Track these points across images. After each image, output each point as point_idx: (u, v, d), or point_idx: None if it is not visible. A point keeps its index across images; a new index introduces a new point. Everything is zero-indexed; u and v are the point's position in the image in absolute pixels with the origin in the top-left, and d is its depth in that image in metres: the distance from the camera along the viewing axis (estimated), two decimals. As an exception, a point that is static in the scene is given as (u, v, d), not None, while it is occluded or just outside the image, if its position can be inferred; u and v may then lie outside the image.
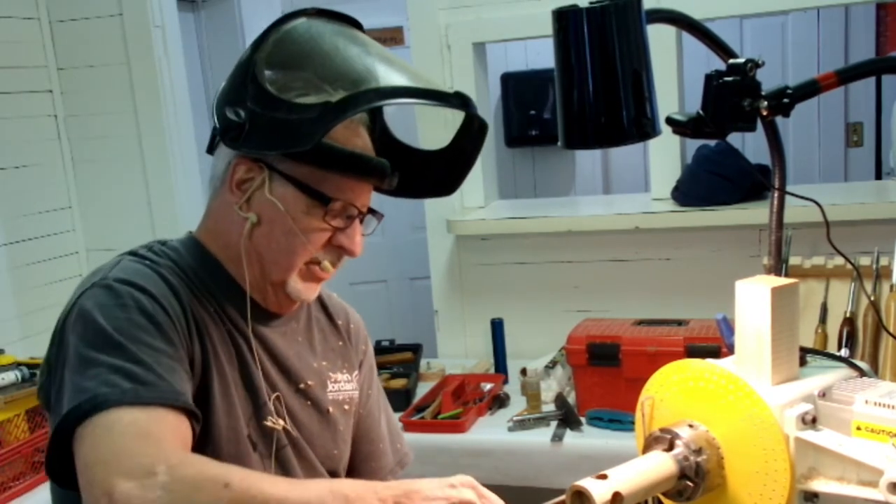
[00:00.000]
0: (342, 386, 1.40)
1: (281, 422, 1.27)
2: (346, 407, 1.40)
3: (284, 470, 1.28)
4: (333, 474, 1.36)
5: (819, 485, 0.88)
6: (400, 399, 2.53)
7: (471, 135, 1.35)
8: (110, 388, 1.05)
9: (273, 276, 1.26)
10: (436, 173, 1.39)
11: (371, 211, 1.30)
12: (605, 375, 2.31)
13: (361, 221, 1.28)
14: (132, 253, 1.26)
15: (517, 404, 2.49)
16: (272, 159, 1.21)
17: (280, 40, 1.23)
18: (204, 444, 1.18)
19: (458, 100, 1.26)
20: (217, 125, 1.21)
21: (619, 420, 2.26)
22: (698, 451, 0.91)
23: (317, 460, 1.33)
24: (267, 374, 1.28)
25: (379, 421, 1.49)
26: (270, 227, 1.23)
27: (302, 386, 1.33)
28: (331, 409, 1.36)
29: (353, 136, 1.25)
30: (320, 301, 1.45)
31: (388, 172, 1.25)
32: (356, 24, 1.34)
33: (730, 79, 0.98)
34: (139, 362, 1.09)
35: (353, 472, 1.44)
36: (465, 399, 2.54)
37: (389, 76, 1.22)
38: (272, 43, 1.22)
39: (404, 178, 1.33)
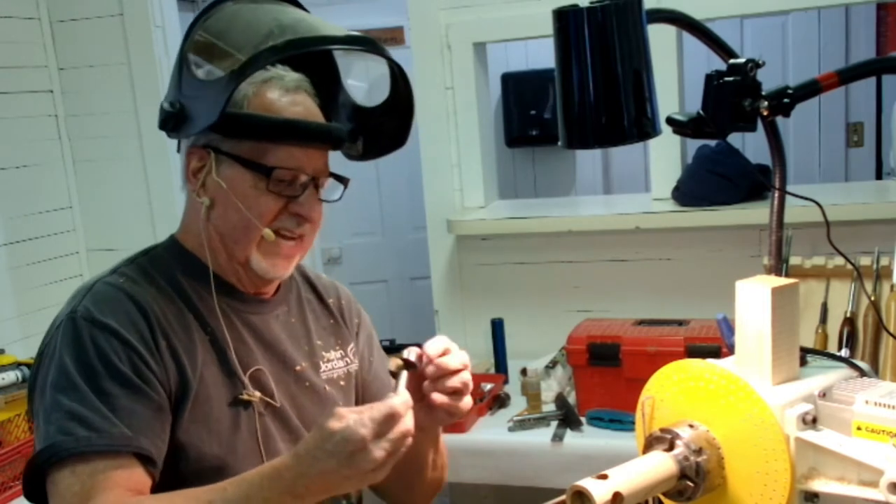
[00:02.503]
0: (334, 364, 1.43)
1: (257, 394, 1.28)
2: (343, 383, 1.43)
3: (266, 438, 1.30)
4: None
5: (819, 485, 0.88)
6: (400, 399, 2.53)
7: (397, 77, 1.35)
8: (66, 435, 1.13)
9: (237, 256, 1.28)
10: (389, 128, 1.39)
11: (335, 176, 1.31)
12: (606, 375, 2.31)
13: (318, 188, 1.29)
14: (114, 270, 1.28)
15: (517, 404, 2.49)
16: (217, 142, 1.24)
17: (205, 27, 1.27)
18: (202, 429, 1.23)
19: (350, 42, 1.27)
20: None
21: (620, 420, 2.26)
22: (698, 452, 0.91)
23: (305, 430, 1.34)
24: (255, 356, 1.31)
25: (381, 386, 1.50)
26: (224, 208, 1.26)
27: (298, 368, 1.36)
28: (327, 388, 1.40)
29: (291, 104, 1.26)
30: (309, 283, 1.48)
31: (334, 134, 1.28)
32: (291, 2, 1.36)
33: (730, 79, 0.98)
34: (95, 409, 1.14)
35: None
36: (466, 399, 2.54)
37: (297, 31, 1.23)
38: (197, 32, 1.27)
39: (369, 140, 1.37)
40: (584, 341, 2.33)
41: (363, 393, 1.49)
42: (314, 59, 1.36)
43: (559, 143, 1.00)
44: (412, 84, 1.37)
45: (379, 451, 1.06)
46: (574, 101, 0.96)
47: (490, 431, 2.37)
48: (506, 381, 2.65)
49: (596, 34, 0.94)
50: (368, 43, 1.28)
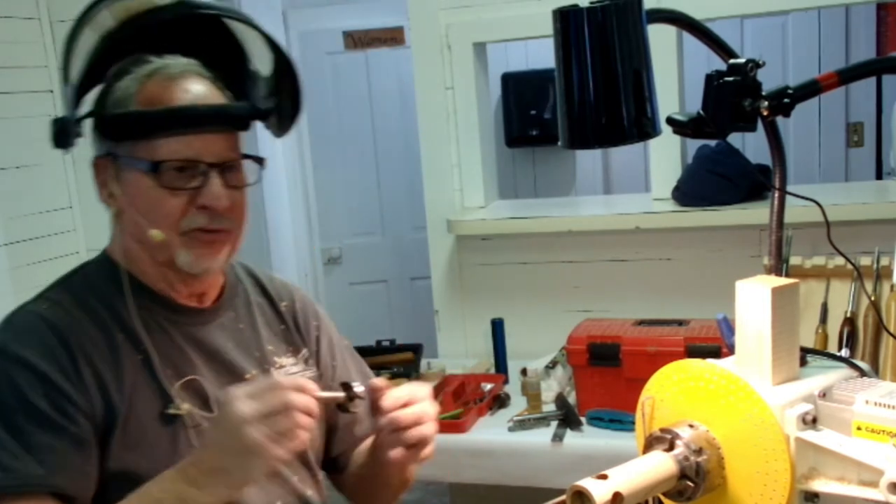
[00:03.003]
0: (288, 370, 1.37)
1: (185, 406, 1.21)
2: None
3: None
4: (302, 454, 1.34)
5: (819, 485, 0.88)
6: (400, 399, 2.53)
7: (266, 37, 1.27)
8: None
9: (159, 258, 1.23)
10: (288, 94, 1.31)
11: (247, 157, 1.25)
12: (606, 375, 2.31)
13: (223, 173, 1.21)
14: (40, 295, 1.24)
15: (517, 404, 2.49)
16: (114, 148, 1.20)
17: (71, 37, 1.23)
18: (138, 454, 1.17)
19: (177, 8, 1.20)
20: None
21: (620, 420, 2.26)
22: (698, 452, 0.91)
23: None
24: (197, 369, 1.25)
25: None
26: (130, 214, 1.21)
27: (248, 377, 1.30)
28: None
29: (179, 91, 1.20)
30: (259, 286, 1.42)
31: (229, 114, 1.22)
32: None
33: (730, 79, 0.98)
34: (7, 448, 1.10)
35: (336, 441, 1.44)
36: (466, 399, 2.54)
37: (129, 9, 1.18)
38: (68, 43, 1.23)
39: (284, 112, 1.30)
40: (584, 341, 2.33)
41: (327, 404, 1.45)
42: (216, 41, 1.29)
43: (559, 143, 1.00)
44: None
45: (256, 431, 1.03)
46: (574, 101, 0.96)
47: (490, 431, 2.37)
48: (506, 381, 2.65)
49: (596, 34, 0.94)
50: (194, 6, 1.21)
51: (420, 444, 1.21)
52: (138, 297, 1.23)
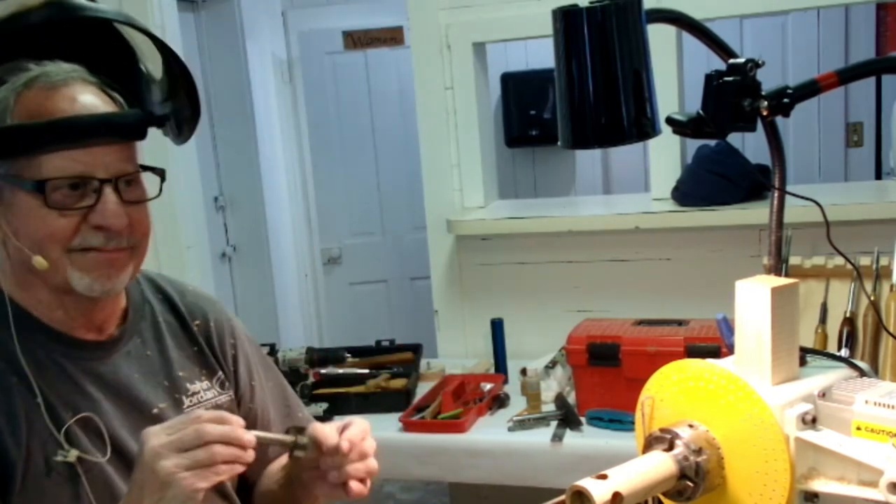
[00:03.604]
0: (202, 396, 1.27)
1: (74, 452, 1.10)
2: None
3: (104, 497, 1.13)
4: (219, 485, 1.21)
5: (819, 485, 0.88)
6: (400, 399, 2.53)
7: (152, 37, 1.17)
8: None
9: (54, 284, 1.12)
10: (185, 99, 1.21)
11: (146, 169, 1.16)
12: (605, 375, 2.31)
13: (117, 188, 1.11)
14: None
15: (517, 404, 2.49)
16: None
17: None
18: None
19: (43, 11, 1.07)
20: None
21: (619, 420, 2.26)
22: (698, 451, 0.91)
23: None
24: (99, 407, 1.15)
25: (268, 409, 1.40)
26: (18, 239, 1.09)
27: (155, 411, 1.21)
28: None
29: (61, 100, 1.09)
30: (169, 302, 1.31)
31: (117, 122, 1.10)
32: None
33: (730, 79, 0.98)
34: None
35: (255, 462, 1.39)
36: (465, 399, 2.54)
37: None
38: None
39: (181, 118, 1.20)
40: (583, 341, 2.33)
41: (247, 425, 1.32)
42: (101, 43, 1.18)
43: (559, 143, 1.00)
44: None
45: (169, 462, 0.98)
46: (574, 101, 0.96)
47: (490, 431, 2.37)
48: (505, 381, 2.65)
49: (596, 34, 0.94)
50: (69, 8, 1.09)
51: (363, 479, 1.16)
52: (30, 332, 1.12)
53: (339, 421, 1.19)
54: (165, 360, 1.26)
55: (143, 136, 1.14)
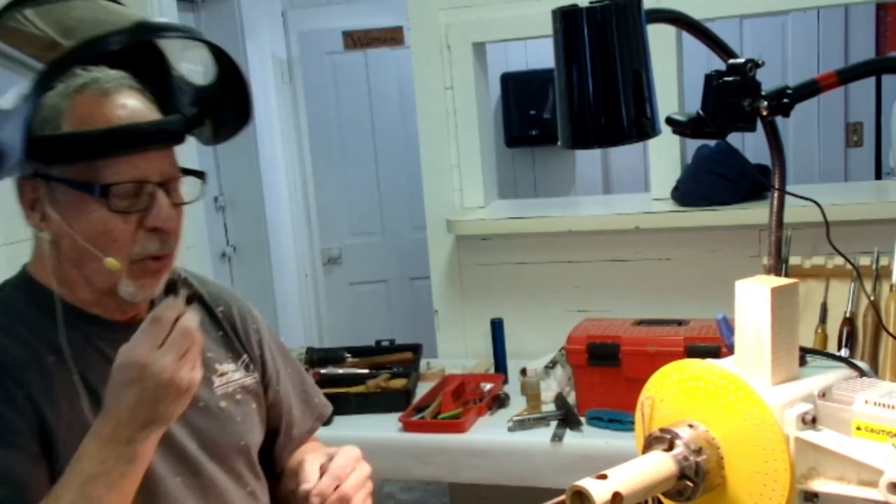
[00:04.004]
0: (230, 377, 1.33)
1: None
2: (239, 397, 1.33)
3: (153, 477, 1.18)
4: (248, 461, 1.34)
5: (819, 485, 0.88)
6: (400, 399, 2.53)
7: (219, 53, 1.21)
8: None
9: (100, 286, 1.16)
10: (230, 106, 1.26)
11: (189, 172, 1.20)
12: (605, 375, 2.31)
13: (169, 192, 1.16)
14: None
15: (517, 404, 2.49)
16: (44, 170, 1.11)
17: None
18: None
19: (138, 31, 1.10)
20: None
21: (619, 420, 2.26)
22: (698, 451, 0.91)
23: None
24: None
25: (289, 392, 1.45)
26: (71, 240, 1.13)
27: None
28: (223, 405, 1.31)
29: (114, 107, 1.12)
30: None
31: (169, 129, 1.15)
32: None
33: (730, 79, 0.98)
34: None
35: (277, 444, 1.44)
36: (465, 399, 2.54)
37: (83, 32, 1.08)
38: None
39: (218, 122, 1.24)
40: (583, 341, 2.33)
41: (275, 408, 1.41)
42: (135, 48, 1.20)
43: (559, 144, 1.00)
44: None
45: (167, 357, 1.03)
46: (574, 101, 0.96)
47: (490, 431, 2.37)
48: (505, 381, 2.65)
49: (596, 34, 0.94)
50: (155, 29, 1.14)
51: None
52: (69, 318, 1.16)
53: (332, 448, 1.25)
54: None
55: (184, 140, 1.19)
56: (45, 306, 1.16)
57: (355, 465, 1.24)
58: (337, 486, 1.20)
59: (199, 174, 1.22)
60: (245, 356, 1.38)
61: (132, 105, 1.13)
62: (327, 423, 1.58)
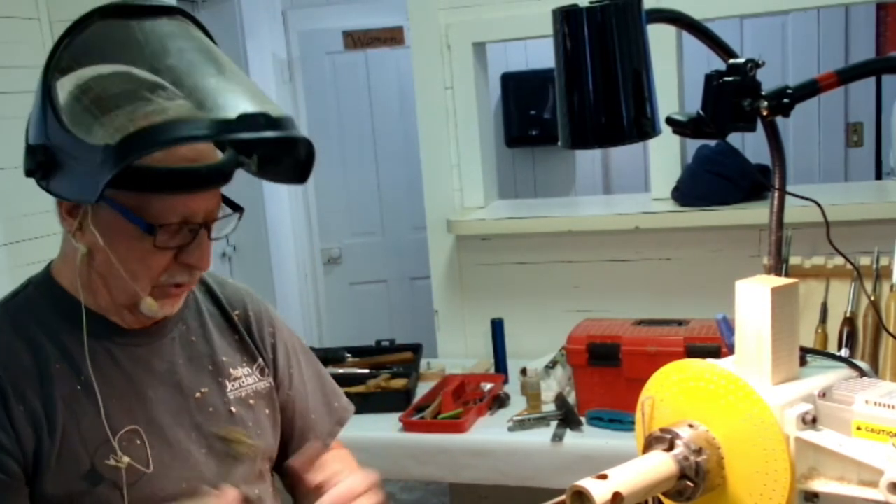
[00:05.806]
0: (243, 381, 1.33)
1: (126, 459, 1.16)
2: (252, 402, 1.34)
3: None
4: (257, 465, 1.35)
5: (819, 485, 0.88)
6: (400, 399, 2.53)
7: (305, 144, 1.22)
8: None
9: (121, 301, 1.18)
10: (289, 161, 1.25)
11: (228, 205, 1.21)
12: (605, 375, 2.31)
13: (210, 231, 1.17)
14: None
15: (517, 404, 2.49)
16: None
17: (73, 55, 1.13)
18: (63, 477, 1.15)
19: (269, 127, 1.08)
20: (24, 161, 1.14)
21: (619, 420, 2.26)
22: (698, 451, 0.91)
23: None
24: (147, 395, 1.22)
25: (306, 396, 1.45)
26: (105, 256, 1.14)
27: (198, 395, 1.27)
28: (234, 410, 1.31)
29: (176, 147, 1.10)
30: (211, 294, 1.37)
31: (225, 171, 1.14)
32: (177, 12, 1.18)
33: (730, 79, 0.98)
34: None
35: (290, 448, 1.42)
36: (465, 399, 2.54)
37: (224, 95, 1.08)
38: (67, 56, 1.12)
39: (268, 163, 1.23)
40: (583, 341, 2.33)
41: (286, 411, 1.41)
42: None
43: (559, 143, 1.00)
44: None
45: None
46: (574, 102, 0.96)
47: (490, 431, 2.37)
48: (506, 381, 2.65)
49: (596, 34, 0.94)
50: (282, 125, 1.10)
51: None
52: (80, 321, 1.17)
53: (347, 477, 1.26)
54: (209, 345, 1.31)
55: (231, 179, 1.18)
56: (64, 310, 1.19)
57: (362, 494, 1.23)
58: None
59: (239, 209, 1.22)
60: (260, 360, 1.38)
61: (194, 145, 1.11)
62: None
